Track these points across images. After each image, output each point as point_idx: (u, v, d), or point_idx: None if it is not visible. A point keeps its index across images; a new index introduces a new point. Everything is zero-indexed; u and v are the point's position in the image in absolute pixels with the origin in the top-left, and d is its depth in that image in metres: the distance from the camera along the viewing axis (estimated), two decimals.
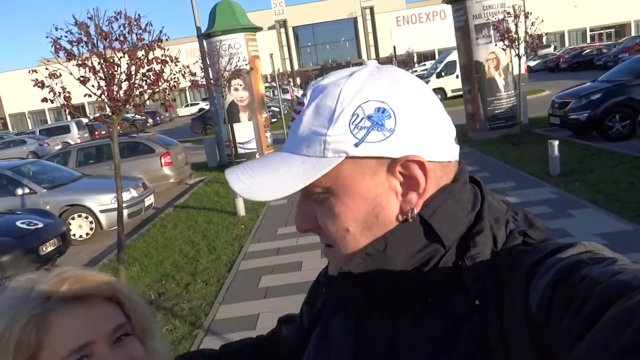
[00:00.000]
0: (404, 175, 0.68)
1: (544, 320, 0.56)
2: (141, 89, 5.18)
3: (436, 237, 0.68)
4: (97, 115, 5.17)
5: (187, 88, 6.53)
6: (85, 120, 28.37)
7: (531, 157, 10.58)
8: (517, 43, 11.59)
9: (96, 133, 28.68)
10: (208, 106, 36.44)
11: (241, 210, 9.26)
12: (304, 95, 0.72)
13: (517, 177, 9.20)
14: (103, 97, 5.14)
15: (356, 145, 0.66)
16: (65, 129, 27.11)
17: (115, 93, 4.96)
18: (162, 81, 5.18)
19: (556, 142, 8.93)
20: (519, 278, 0.63)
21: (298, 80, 52.36)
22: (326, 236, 0.73)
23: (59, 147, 24.32)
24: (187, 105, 49.02)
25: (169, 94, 5.45)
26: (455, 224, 0.69)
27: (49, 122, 50.28)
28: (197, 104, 46.91)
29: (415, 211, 0.69)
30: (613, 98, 11.36)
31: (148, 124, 35.77)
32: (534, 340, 0.57)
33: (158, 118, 39.38)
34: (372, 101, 0.67)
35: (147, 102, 5.62)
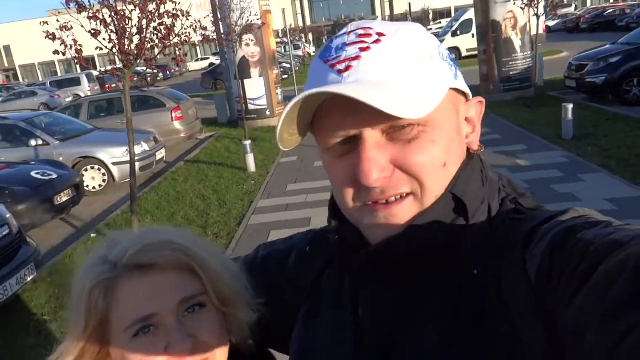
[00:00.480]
0: (468, 117, 0.74)
1: (543, 285, 0.58)
2: (152, 43, 5.14)
3: (462, 213, 0.69)
4: (109, 68, 5.15)
5: (197, 43, 6.46)
6: (95, 73, 28.26)
7: (544, 120, 10.45)
8: (536, 2, 11.24)
9: (106, 86, 28.61)
10: (218, 61, 36.06)
11: (251, 166, 9.32)
12: (359, 34, 0.68)
13: (529, 140, 9.13)
14: (114, 50, 5.12)
15: (454, 77, 0.71)
16: (76, 82, 27.03)
17: (126, 47, 4.93)
18: (174, 36, 5.14)
19: (570, 106, 8.80)
20: (515, 246, 0.64)
21: (310, 37, 51.36)
22: (409, 180, 0.67)
23: (70, 99, 24.34)
24: (197, 60, 48.53)
25: (180, 49, 5.41)
26: (477, 200, 0.71)
27: (59, 74, 50.13)
28: (208, 58, 46.43)
29: (477, 154, 0.75)
30: (632, 61, 11.07)
31: (158, 78, 35.56)
32: (535, 305, 0.58)
33: (168, 72, 39.13)
34: (442, 47, 0.72)
35: (158, 57, 5.59)
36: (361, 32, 0.68)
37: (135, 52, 4.94)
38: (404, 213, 0.67)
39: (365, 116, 0.64)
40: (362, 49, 0.66)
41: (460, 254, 0.68)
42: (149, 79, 30.74)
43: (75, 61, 4.82)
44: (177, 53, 5.49)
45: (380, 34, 0.67)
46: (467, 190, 0.69)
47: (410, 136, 0.65)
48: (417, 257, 0.69)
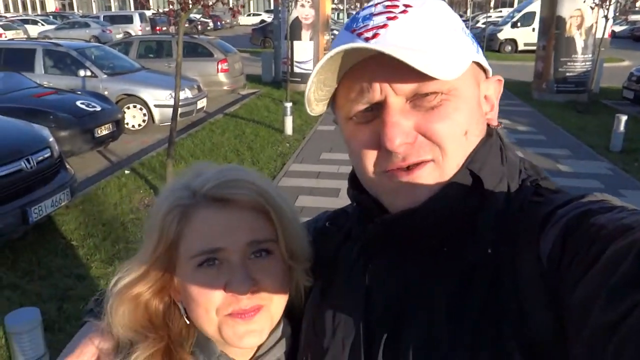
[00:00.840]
0: (487, 95, 0.75)
1: (554, 267, 0.58)
2: None
3: (479, 189, 0.69)
4: (166, 9, 5.16)
5: None
6: (148, 13, 28.43)
7: (594, 128, 10.09)
8: (608, 3, 10.71)
9: (157, 28, 28.78)
10: (270, 19, 35.73)
11: (289, 128, 9.32)
12: (386, 5, 0.70)
13: (574, 146, 8.85)
14: None
15: (477, 51, 0.73)
16: (129, 19, 27.33)
17: None
18: None
19: (624, 117, 8.46)
20: (531, 228, 0.63)
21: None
22: (431, 147, 0.67)
23: (120, 35, 24.66)
24: (249, 15, 48.24)
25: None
26: (495, 178, 0.70)
27: (113, 10, 50.62)
28: (259, 14, 46.12)
29: (495, 131, 0.75)
30: None
31: (209, 28, 35.58)
32: (547, 287, 0.58)
33: (219, 23, 39.07)
34: (464, 24, 0.74)
35: (215, 5, 5.56)
36: (388, 3, 0.70)
37: None
38: (425, 179, 0.68)
39: (392, 79, 0.65)
40: (389, 18, 0.67)
41: (475, 232, 0.68)
42: (199, 27, 30.82)
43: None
44: (235, 3, 5.44)
45: (407, 5, 0.69)
46: (484, 167, 0.69)
47: (434, 104, 0.66)
48: (431, 231, 0.69)
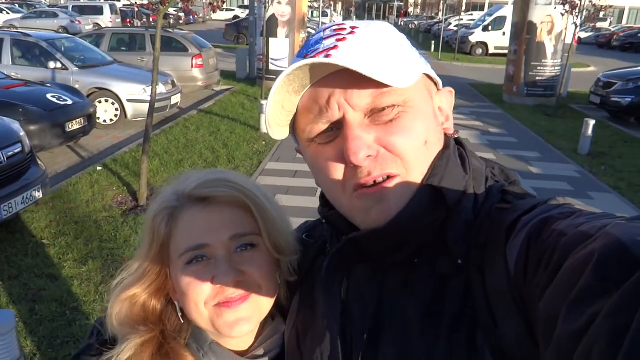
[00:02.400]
0: (440, 107, 0.78)
1: (521, 276, 0.59)
2: None
3: (442, 202, 0.70)
4: (144, 2, 5.05)
5: None
6: (119, 5, 27.79)
7: (562, 131, 10.38)
8: (578, 10, 11.01)
9: (127, 20, 28.19)
10: (243, 14, 35.38)
11: (264, 126, 9.26)
12: (334, 29, 0.73)
13: (544, 149, 9.08)
14: None
15: (426, 64, 0.76)
16: (98, 10, 26.64)
17: None
18: None
19: (592, 122, 8.71)
20: (499, 237, 0.65)
21: (340, 6, 50.45)
22: (393, 159, 0.69)
23: (90, 27, 24.04)
24: (222, 10, 47.66)
25: None
26: (457, 189, 0.71)
27: (82, 0, 49.30)
28: (233, 10, 45.62)
29: (452, 142, 0.77)
30: None
31: (181, 22, 35.02)
32: (515, 297, 0.60)
33: (192, 17, 38.51)
34: (409, 43, 0.77)
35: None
36: (336, 27, 0.73)
37: None
38: (392, 193, 0.69)
39: (348, 96, 0.67)
40: (338, 40, 0.70)
41: (445, 244, 0.69)
42: (171, 21, 30.31)
43: None
44: None
45: (353, 27, 0.72)
46: (444, 179, 0.70)
47: (391, 117, 0.68)
48: (399, 247, 0.71)
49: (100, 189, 6.19)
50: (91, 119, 7.76)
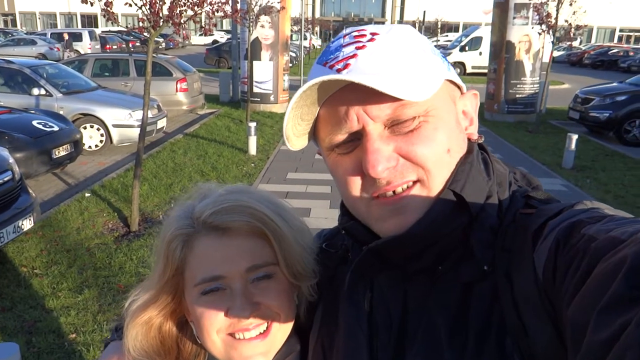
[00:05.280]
0: (464, 111, 0.76)
1: (549, 281, 0.58)
2: (184, 7, 5.04)
3: (464, 208, 0.68)
4: (138, 26, 5.03)
5: (225, 15, 6.28)
6: (98, 31, 27.72)
7: (545, 147, 10.58)
8: (554, 30, 11.34)
9: (107, 46, 28.11)
10: (223, 39, 35.53)
11: (253, 148, 9.24)
12: (354, 36, 0.72)
13: (529, 165, 9.22)
14: (144, 9, 5.01)
15: (448, 69, 0.73)
16: (77, 37, 26.49)
17: (158, 7, 4.83)
18: (206, 4, 5.04)
19: (575, 136, 8.91)
20: (525, 242, 0.64)
21: (318, 29, 51.11)
22: (413, 168, 0.67)
23: (69, 53, 23.87)
24: (201, 35, 47.88)
25: (211, 18, 5.32)
26: (480, 195, 0.70)
27: (59, 27, 49.05)
28: (212, 34, 45.85)
29: (476, 146, 0.76)
30: (637, 103, 11.28)
31: (160, 47, 35.04)
32: (544, 302, 0.59)
33: (171, 42, 38.57)
34: (433, 44, 0.75)
35: (186, 24, 5.48)
36: (356, 33, 0.71)
37: (167, 14, 4.83)
38: (412, 201, 0.68)
39: (367, 108, 0.66)
40: (358, 47, 0.68)
41: (469, 250, 0.68)
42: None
43: (105, 15, 4.69)
44: (207, 22, 5.39)
45: (374, 33, 0.70)
46: (467, 185, 0.68)
47: (412, 127, 0.67)
48: (421, 253, 0.69)
49: (90, 216, 6.07)
50: (77, 145, 7.65)
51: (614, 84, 12.72)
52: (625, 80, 12.96)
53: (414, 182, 0.68)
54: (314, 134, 0.75)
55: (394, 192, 0.68)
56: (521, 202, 0.71)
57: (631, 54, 33.33)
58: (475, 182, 0.70)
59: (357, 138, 0.68)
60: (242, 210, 0.81)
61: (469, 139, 0.75)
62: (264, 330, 0.82)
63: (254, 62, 12.81)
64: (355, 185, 0.70)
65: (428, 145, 0.67)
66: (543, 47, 12.92)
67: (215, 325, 0.80)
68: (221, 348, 0.82)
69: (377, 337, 0.73)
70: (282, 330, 0.84)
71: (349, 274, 0.77)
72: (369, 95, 0.64)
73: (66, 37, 25.13)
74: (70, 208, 6.26)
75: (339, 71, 0.66)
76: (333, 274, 0.86)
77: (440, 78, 0.69)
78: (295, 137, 0.73)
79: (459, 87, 0.76)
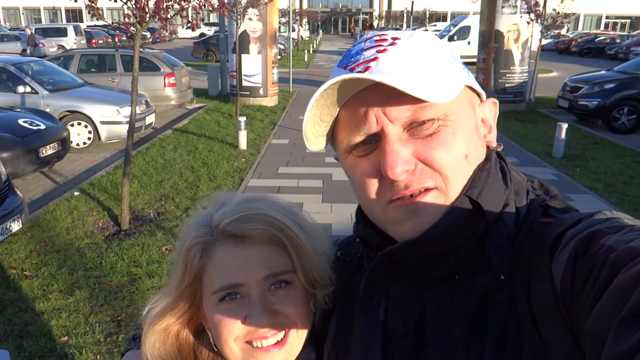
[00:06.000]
0: (483, 119, 0.75)
1: (568, 291, 0.57)
2: (170, 2, 4.96)
3: (481, 215, 0.68)
4: (124, 21, 4.94)
5: (201, 9, 6.18)
6: (83, 26, 27.35)
7: (535, 136, 10.62)
8: (542, 18, 11.35)
9: (93, 41, 27.77)
10: (210, 32, 35.20)
11: (243, 143, 9.18)
12: (375, 40, 0.71)
13: (520, 154, 9.25)
14: (129, 4, 4.92)
15: (468, 76, 0.73)
16: (62, 32, 26.13)
17: (144, 2, 4.74)
18: None
19: (565, 125, 8.95)
20: (543, 251, 0.63)
21: (305, 20, 50.80)
22: (432, 174, 0.67)
23: (54, 49, 23.57)
24: (188, 28, 47.50)
25: (198, 13, 5.24)
26: (497, 202, 0.69)
27: (43, 22, 48.39)
28: (200, 28, 45.50)
29: (494, 155, 0.75)
30: (625, 90, 11.35)
31: (147, 41, 34.69)
32: (562, 313, 0.58)
33: (157, 36, 38.18)
34: (454, 51, 0.75)
35: (173, 19, 5.40)
36: (377, 37, 0.71)
37: (153, 9, 4.75)
38: (429, 206, 0.67)
39: (387, 109, 0.66)
40: (379, 51, 0.68)
41: (486, 259, 0.67)
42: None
43: (89, 11, 4.59)
44: (194, 17, 5.31)
45: (395, 38, 0.70)
46: (483, 192, 0.68)
47: (431, 130, 0.67)
48: (436, 260, 0.68)
49: (80, 215, 5.99)
50: (65, 143, 7.54)
51: (602, 72, 12.78)
52: (613, 68, 13.02)
53: (432, 188, 0.68)
54: (332, 137, 0.75)
55: (411, 195, 0.68)
56: (539, 211, 0.71)
57: (618, 41, 33.54)
58: (492, 189, 0.69)
59: (376, 140, 0.68)
60: (260, 218, 0.82)
61: (487, 147, 0.75)
62: (282, 339, 0.83)
63: (243, 56, 12.70)
64: (373, 188, 0.70)
65: (446, 150, 0.67)
66: (531, 36, 12.92)
67: (233, 333, 0.81)
68: (239, 356, 0.83)
69: (392, 346, 0.73)
70: (299, 338, 0.85)
71: (363, 281, 0.77)
72: (389, 97, 0.65)
73: (29, 32, 23.62)
74: (59, 207, 6.18)
75: (359, 73, 0.66)
76: (348, 282, 0.86)
77: (460, 83, 0.69)
78: (315, 137, 0.73)
79: (478, 94, 0.75)
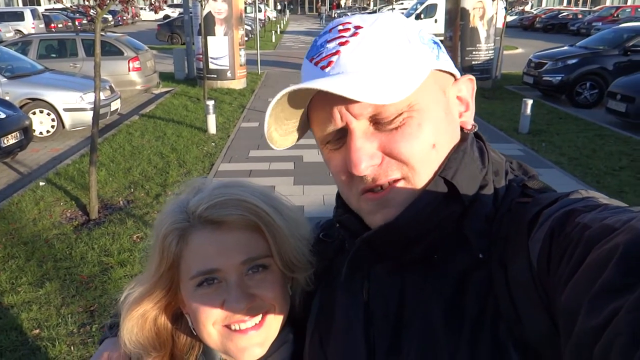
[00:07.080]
0: (459, 96, 0.75)
1: (544, 269, 0.59)
2: None
3: (456, 196, 0.68)
4: (83, 4, 4.77)
5: None
6: (41, 9, 26.30)
7: (501, 112, 10.80)
8: None
9: (52, 25, 26.75)
10: (174, 13, 34.34)
11: (212, 127, 9.06)
12: (338, 30, 0.70)
13: (487, 131, 9.40)
14: None
15: (437, 58, 0.71)
16: (19, 16, 25.02)
17: None
18: None
19: (530, 101, 9.13)
20: (520, 230, 0.65)
21: (271, 0, 50.02)
22: (398, 166, 0.68)
23: (11, 34, 22.64)
24: (151, 10, 46.20)
25: None
26: (473, 183, 0.70)
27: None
28: (163, 9, 44.31)
29: (471, 133, 0.75)
30: (587, 65, 11.62)
31: (109, 24, 33.61)
32: (538, 291, 0.60)
33: (119, 19, 36.99)
34: (423, 31, 0.73)
35: (134, 1, 5.24)
36: (340, 27, 0.71)
37: None
38: (397, 197, 0.69)
39: (350, 106, 0.66)
40: (340, 44, 0.68)
41: (464, 239, 0.68)
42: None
43: None
44: None
45: (357, 27, 0.69)
46: (458, 173, 0.69)
47: (397, 123, 0.67)
48: (413, 242, 0.70)
49: (47, 206, 5.85)
50: (27, 132, 7.32)
51: (565, 48, 13.03)
52: (575, 43, 13.29)
53: (399, 179, 0.68)
54: (309, 127, 0.75)
55: (381, 187, 0.69)
56: (517, 191, 0.71)
57: (580, 16, 34.17)
58: (468, 169, 0.70)
59: (345, 135, 0.69)
60: (237, 203, 0.82)
61: (462, 128, 0.75)
62: (259, 321, 0.84)
63: (208, 38, 12.45)
64: (345, 180, 0.72)
65: (412, 142, 0.67)
66: (497, 13, 13.05)
67: (211, 317, 0.82)
68: (217, 339, 0.84)
69: (374, 326, 0.74)
70: (276, 321, 0.86)
71: (345, 266, 0.78)
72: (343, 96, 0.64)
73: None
74: (25, 198, 6.02)
75: (322, 68, 0.67)
76: (330, 264, 0.87)
77: (425, 70, 0.67)
78: (281, 137, 0.74)
79: (452, 74, 0.74)
